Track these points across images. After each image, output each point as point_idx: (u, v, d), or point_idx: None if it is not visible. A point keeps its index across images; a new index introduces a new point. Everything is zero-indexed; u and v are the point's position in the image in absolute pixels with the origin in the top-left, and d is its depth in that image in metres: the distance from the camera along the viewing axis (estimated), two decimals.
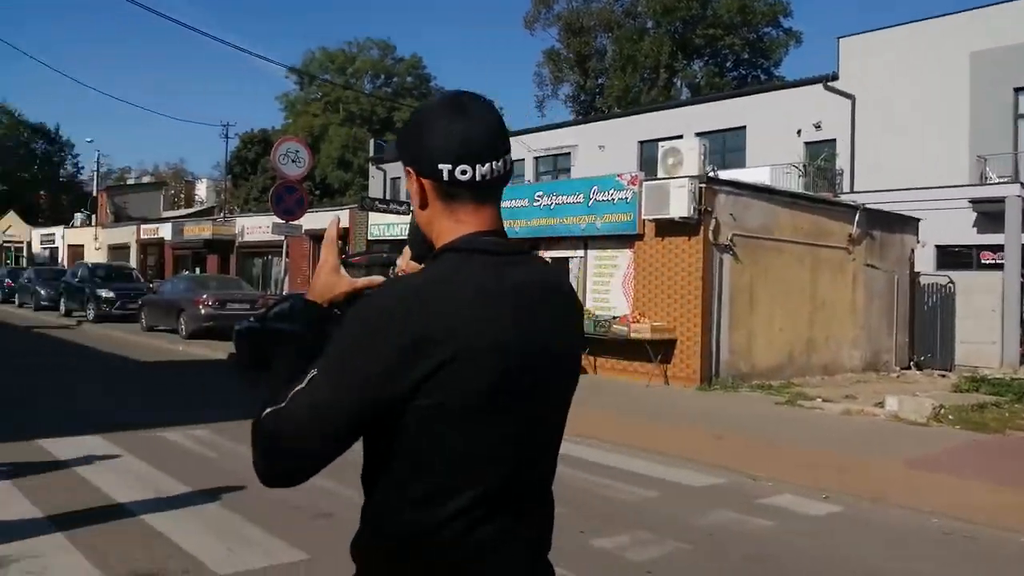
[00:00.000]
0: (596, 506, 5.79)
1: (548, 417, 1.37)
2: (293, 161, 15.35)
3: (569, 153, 25.88)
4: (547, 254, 15.08)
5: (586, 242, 14.14)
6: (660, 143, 13.61)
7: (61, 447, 6.77)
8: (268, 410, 1.26)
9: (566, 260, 14.70)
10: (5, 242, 47.35)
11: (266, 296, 21.48)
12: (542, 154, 26.19)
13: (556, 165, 26.21)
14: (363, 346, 1.22)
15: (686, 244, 12.33)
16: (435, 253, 1.34)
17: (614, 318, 12.92)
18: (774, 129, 22.13)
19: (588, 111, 39.44)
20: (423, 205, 1.36)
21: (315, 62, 49.97)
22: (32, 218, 49.72)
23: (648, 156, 22.05)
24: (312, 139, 43.57)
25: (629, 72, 37.65)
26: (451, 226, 1.33)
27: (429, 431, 1.24)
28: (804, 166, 20.89)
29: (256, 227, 25.02)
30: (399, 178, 31.83)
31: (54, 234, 43.28)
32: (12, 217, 47.92)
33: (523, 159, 26.31)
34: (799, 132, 21.92)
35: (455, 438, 1.25)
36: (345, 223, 21.31)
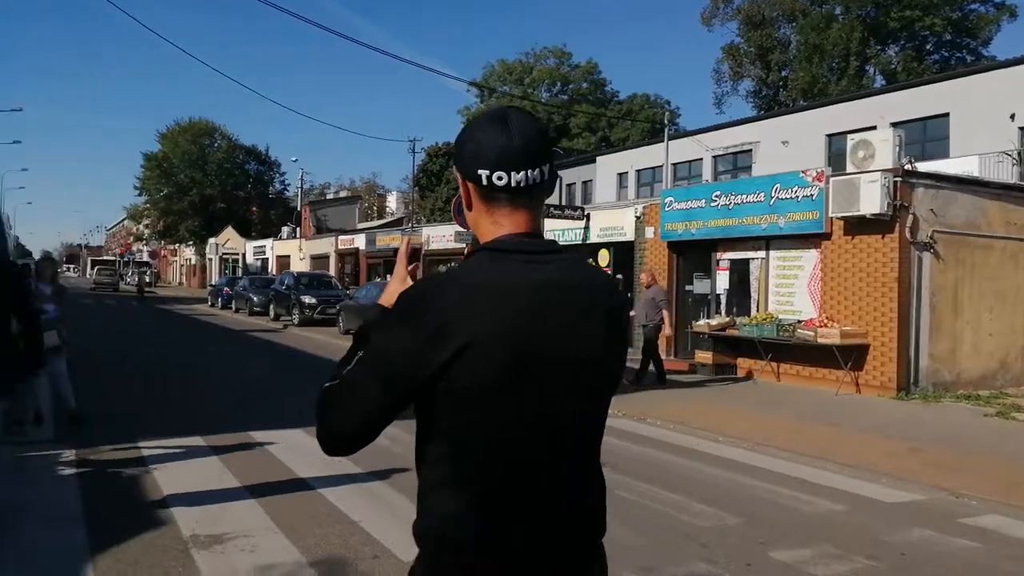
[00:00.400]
0: (777, 517, 5.58)
1: (564, 410, 1.43)
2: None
3: (750, 150, 24.92)
4: (725, 256, 14.66)
5: (768, 242, 13.58)
6: (850, 135, 12.79)
7: (267, 437, 7.47)
8: (325, 386, 1.46)
9: (746, 262, 14.20)
10: (224, 254, 52.77)
11: None
12: (721, 153, 25.43)
13: (736, 164, 25.32)
14: (393, 332, 1.39)
15: (879, 243, 11.52)
16: (468, 252, 1.48)
17: (799, 322, 12.32)
18: (983, 114, 20.09)
19: (770, 106, 37.80)
20: (469, 207, 1.52)
21: (494, 74, 51.57)
22: (246, 232, 54.99)
23: (836, 150, 20.76)
24: None
25: (815, 62, 35.67)
26: (490, 227, 1.47)
27: (452, 415, 1.38)
28: (1019, 153, 18.81)
29: (440, 236, 26.20)
30: (574, 184, 32.12)
31: (264, 246, 47.58)
32: (230, 231, 53.32)
33: (700, 159, 25.68)
34: (1012, 116, 19.75)
35: (474, 423, 1.38)
36: None
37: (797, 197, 12.71)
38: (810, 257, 12.77)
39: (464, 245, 15.86)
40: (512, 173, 1.42)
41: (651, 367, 12.06)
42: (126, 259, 73.87)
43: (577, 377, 1.44)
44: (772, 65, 38.87)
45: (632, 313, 12.35)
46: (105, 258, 79.69)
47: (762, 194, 13.45)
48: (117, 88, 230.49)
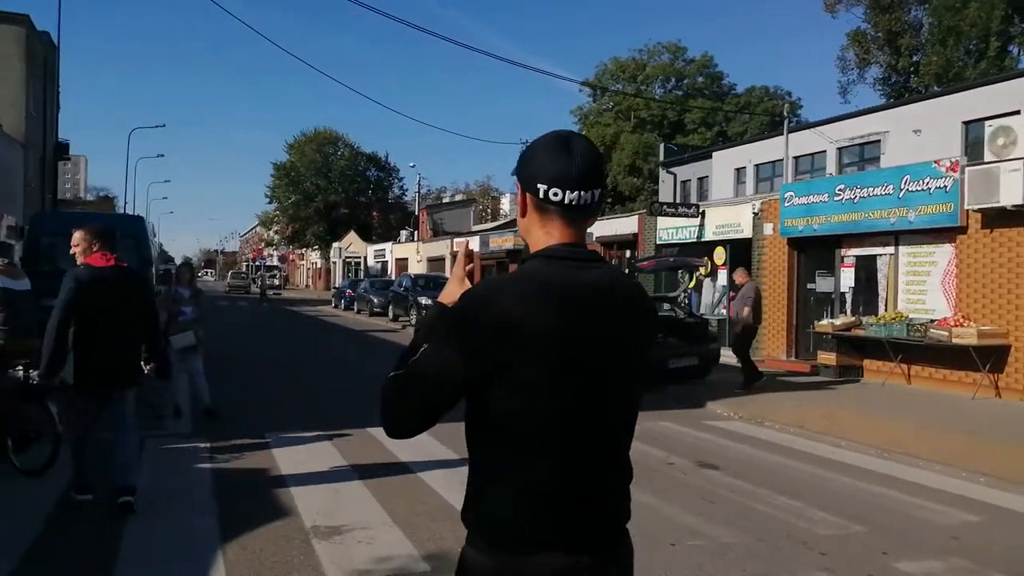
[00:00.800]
0: (903, 527, 5.28)
1: (605, 402, 1.58)
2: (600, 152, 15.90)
3: (878, 141, 23.59)
4: (849, 252, 13.99)
5: (897, 237, 12.87)
6: (988, 122, 11.93)
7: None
8: (392, 373, 1.59)
9: (873, 258, 13.50)
10: (347, 257, 54.94)
11: None
12: (846, 144, 24.21)
13: (862, 155, 24.04)
14: (456, 329, 1.53)
15: (1021, 236, 10.70)
16: (524, 258, 1.63)
17: (931, 321, 11.60)
18: None
19: (900, 93, 35.69)
20: (523, 213, 1.67)
21: (607, 73, 51.12)
22: (367, 235, 57.03)
23: (974, 138, 19.36)
24: (604, 148, 44.60)
25: (950, 45, 33.37)
26: (542, 236, 1.63)
27: (507, 405, 1.51)
28: None
29: None
30: (689, 181, 31.45)
31: (384, 249, 49.18)
32: (352, 236, 55.47)
33: (824, 151, 24.55)
34: None
35: (528, 412, 1.51)
36: (634, 229, 21.57)
37: (929, 189, 11.98)
38: (943, 252, 12.00)
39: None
40: (567, 192, 1.57)
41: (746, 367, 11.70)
42: (257, 264, 78.05)
43: (616, 372, 1.59)
44: (902, 50, 36.67)
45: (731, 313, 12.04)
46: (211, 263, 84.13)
47: (890, 186, 12.75)
48: (250, 103, 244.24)
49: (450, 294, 1.67)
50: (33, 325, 5.98)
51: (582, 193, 1.58)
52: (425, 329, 1.61)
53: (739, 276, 12.31)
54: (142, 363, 5.28)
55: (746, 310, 11.61)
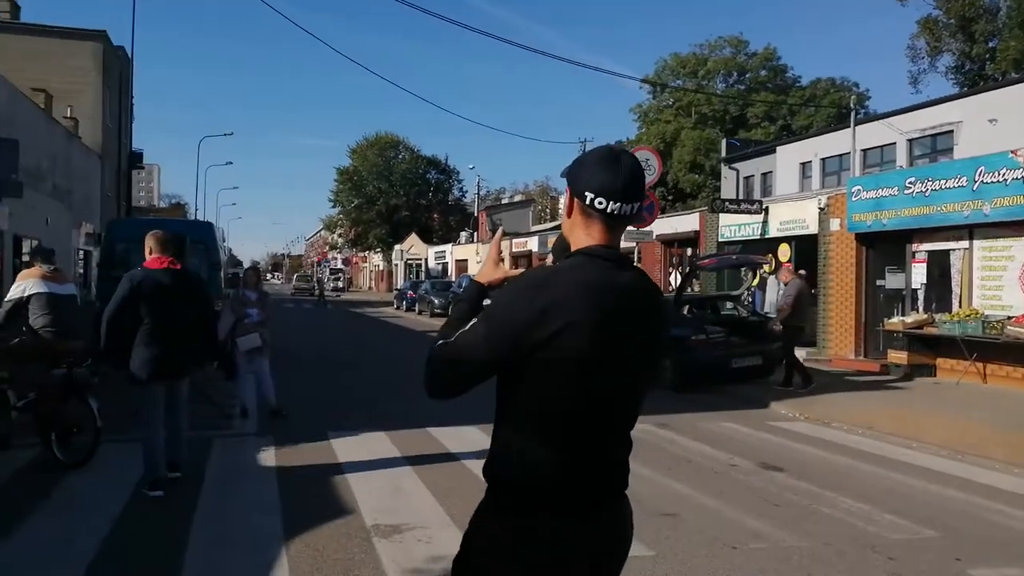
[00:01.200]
0: (979, 532, 5.08)
1: (622, 389, 1.79)
2: (644, 169, 15.74)
3: (951, 131, 22.72)
4: (921, 247, 13.52)
5: (971, 231, 12.39)
6: None
7: (444, 433, 7.78)
8: (440, 342, 1.81)
9: (946, 253, 13.02)
10: (408, 259, 55.61)
11: None
12: (917, 135, 23.37)
13: (934, 146, 23.19)
14: (511, 306, 1.73)
15: None
16: (568, 254, 1.83)
17: (1009, 318, 11.13)
18: None
19: (975, 81, 34.29)
20: (569, 214, 1.87)
21: (667, 69, 50.50)
22: (428, 237, 57.63)
23: None
24: (664, 145, 44.08)
25: None
26: (583, 237, 1.83)
27: (542, 382, 1.71)
28: None
29: None
30: (752, 176, 30.85)
31: (444, 251, 49.61)
32: (413, 238, 56.14)
33: (893, 143, 23.77)
34: None
35: (560, 389, 1.71)
36: (695, 226, 21.26)
37: (1006, 180, 11.49)
38: (1021, 246, 11.52)
39: (634, 244, 15.72)
40: (611, 202, 1.77)
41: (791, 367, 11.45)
42: (321, 266, 79.68)
43: (634, 363, 1.79)
44: (977, 36, 35.22)
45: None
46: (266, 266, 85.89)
47: (964, 178, 12.29)
48: (313, 109, 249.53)
49: (486, 274, 1.95)
50: (77, 327, 6.49)
51: (623, 205, 1.78)
52: (464, 303, 1.89)
53: (784, 274, 12.05)
54: (203, 358, 5.94)
55: (784, 309, 11.38)
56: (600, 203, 1.77)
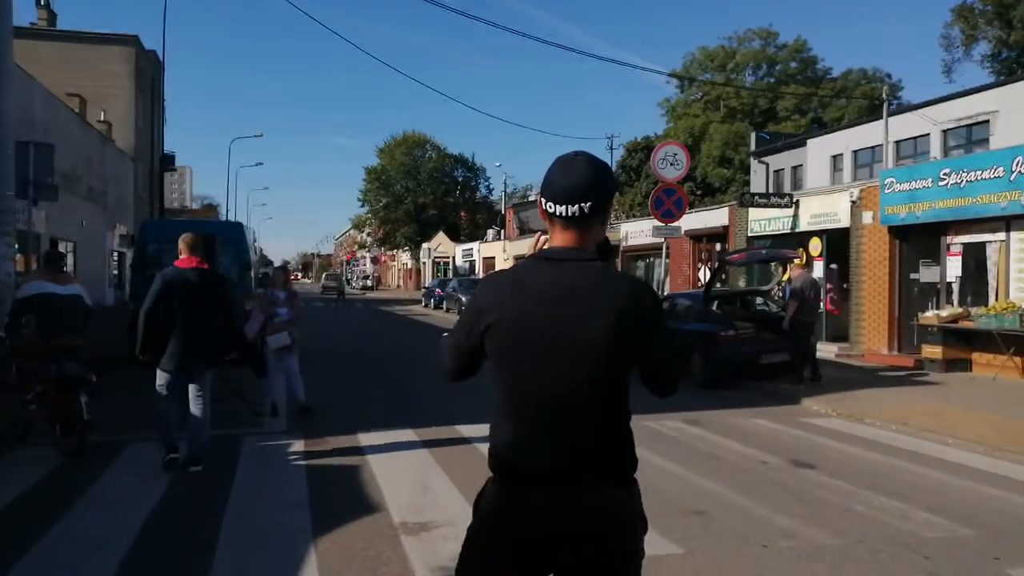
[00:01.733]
0: (1017, 530, 4.96)
1: (562, 375, 1.88)
2: (671, 164, 15.63)
3: (987, 121, 22.21)
4: (956, 239, 13.26)
5: (1008, 223, 12.13)
6: None
7: (471, 431, 7.78)
8: (443, 335, 2.15)
9: (982, 245, 12.75)
10: (436, 258, 55.79)
11: None
12: (951, 126, 22.90)
13: (969, 137, 22.70)
14: (469, 302, 2.09)
15: None
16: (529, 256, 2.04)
17: None
18: None
19: (1012, 69, 33.52)
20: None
21: (695, 63, 50.08)
22: (455, 236, 57.77)
23: None
24: (692, 139, 43.72)
25: None
26: (551, 239, 2.02)
27: (494, 368, 1.97)
28: None
29: (638, 231, 25.95)
30: (782, 170, 30.47)
31: (472, 248, 49.70)
32: (441, 236, 56.31)
33: (927, 134, 23.32)
34: None
35: (503, 376, 1.94)
36: (724, 221, 21.05)
37: None
38: None
39: (662, 239, 15.60)
40: (557, 205, 1.94)
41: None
42: (350, 265, 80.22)
43: (572, 353, 1.87)
44: (1015, 23, 34.42)
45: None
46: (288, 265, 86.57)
47: (1001, 169, 12.02)
48: (341, 110, 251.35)
49: None
50: (78, 325, 6.82)
51: (570, 207, 1.92)
52: None
53: (794, 270, 11.88)
54: (227, 351, 6.45)
55: (792, 305, 11.21)
56: (550, 207, 1.96)
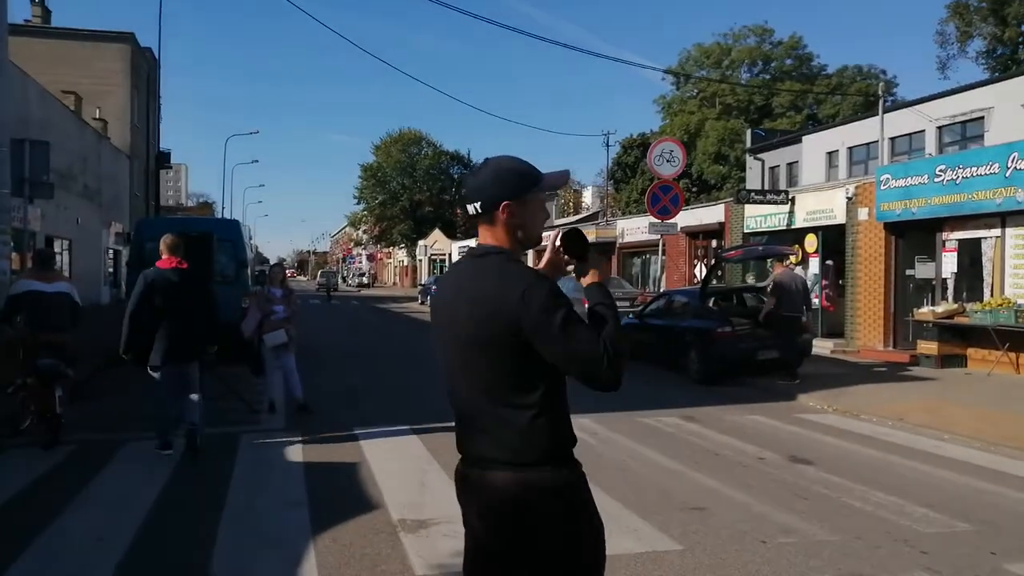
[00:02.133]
0: (1014, 525, 4.98)
1: (457, 364, 2.06)
2: (668, 161, 15.65)
3: (982, 117, 22.27)
4: (951, 236, 13.30)
5: (1003, 219, 12.17)
6: None
7: None
8: (608, 337, 2.06)
9: (977, 242, 12.79)
10: (432, 255, 55.77)
11: (644, 293, 22.19)
12: (946, 122, 22.95)
13: (964, 133, 22.75)
14: None
15: None
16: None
17: None
18: None
19: (1007, 66, 33.60)
20: None
21: (690, 60, 50.08)
22: (452, 233, 57.74)
23: None
24: (688, 136, 43.71)
25: None
26: None
27: None
28: None
29: (634, 228, 25.95)
30: (777, 167, 30.52)
31: (468, 245, 49.63)
32: (437, 233, 56.30)
33: (922, 131, 23.37)
34: None
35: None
36: (720, 218, 21.08)
37: None
38: None
39: (658, 236, 15.61)
40: (466, 204, 2.14)
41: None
42: (347, 262, 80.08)
43: (455, 346, 2.05)
44: (1009, 19, 34.49)
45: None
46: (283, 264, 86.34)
47: (996, 165, 12.06)
48: (338, 107, 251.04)
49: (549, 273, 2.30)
50: (65, 323, 7.03)
51: (468, 206, 2.12)
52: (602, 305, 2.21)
53: (776, 267, 11.92)
54: (208, 343, 6.70)
55: (771, 300, 11.25)
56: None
